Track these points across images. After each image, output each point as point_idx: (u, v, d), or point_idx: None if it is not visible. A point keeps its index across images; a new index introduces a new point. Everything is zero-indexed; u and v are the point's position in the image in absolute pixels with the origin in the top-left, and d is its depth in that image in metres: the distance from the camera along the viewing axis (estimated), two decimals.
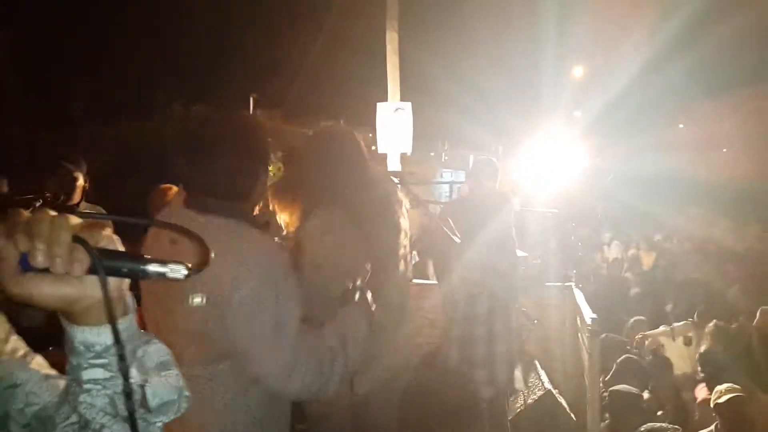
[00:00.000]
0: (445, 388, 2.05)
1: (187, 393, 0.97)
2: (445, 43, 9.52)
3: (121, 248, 0.86)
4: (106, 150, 10.15)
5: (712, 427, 3.72)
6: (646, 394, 4.51)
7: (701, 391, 4.46)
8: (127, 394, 0.84)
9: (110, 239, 0.85)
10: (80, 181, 3.41)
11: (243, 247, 1.56)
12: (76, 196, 3.40)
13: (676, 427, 3.55)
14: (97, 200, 3.80)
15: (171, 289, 1.57)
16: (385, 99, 7.15)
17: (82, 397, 0.86)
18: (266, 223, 2.73)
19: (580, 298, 4.61)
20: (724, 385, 3.77)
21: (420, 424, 1.94)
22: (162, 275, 0.84)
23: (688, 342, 5.47)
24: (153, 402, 0.90)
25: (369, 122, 7.45)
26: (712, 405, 3.74)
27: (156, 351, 0.96)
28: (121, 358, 0.84)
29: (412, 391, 2.11)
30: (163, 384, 0.93)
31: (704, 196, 11.82)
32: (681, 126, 17.05)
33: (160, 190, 4.26)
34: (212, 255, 0.92)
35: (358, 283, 1.87)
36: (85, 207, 3.45)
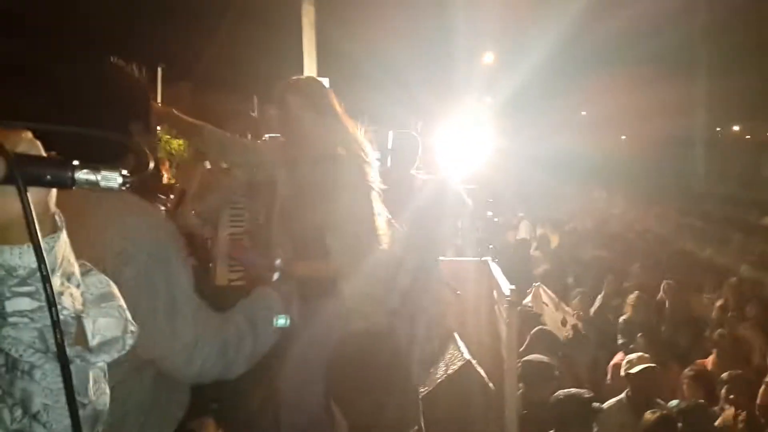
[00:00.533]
0: (372, 350, 1.99)
1: (133, 328, 0.86)
2: (362, 19, 9.43)
3: (44, 153, 0.75)
4: None
5: (623, 395, 3.90)
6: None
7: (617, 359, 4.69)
8: (54, 323, 0.71)
9: (31, 143, 0.73)
10: None
11: (127, 221, 1.40)
12: None
13: (590, 391, 3.69)
14: None
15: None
16: (301, 74, 7.00)
17: (6, 331, 0.73)
18: (167, 188, 2.61)
19: (497, 271, 4.71)
20: (635, 355, 3.97)
21: (349, 388, 1.87)
22: (94, 184, 0.74)
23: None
24: (93, 339, 0.79)
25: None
26: (623, 374, 3.92)
27: (96, 282, 0.84)
28: (46, 281, 0.71)
29: (338, 355, 2.05)
30: (104, 317, 0.81)
31: (606, 178, 12.45)
32: (584, 113, 17.84)
33: None
34: (151, 162, 0.82)
35: (278, 262, 1.82)
36: None
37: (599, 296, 6.18)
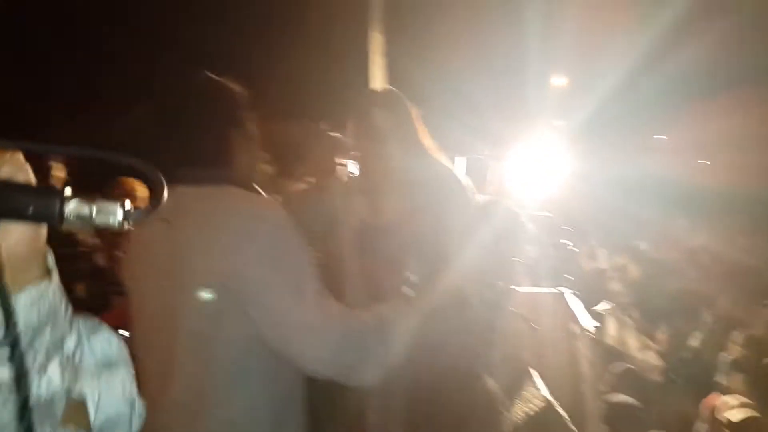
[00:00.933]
0: (454, 391, 1.81)
1: (140, 403, 0.68)
2: (430, 47, 9.37)
3: (32, 179, 0.61)
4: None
5: None
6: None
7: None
8: (23, 404, 0.53)
9: (18, 167, 0.60)
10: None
11: (252, 208, 1.49)
12: None
13: None
14: None
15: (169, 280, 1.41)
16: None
17: None
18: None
19: (575, 304, 4.41)
20: (734, 398, 3.56)
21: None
22: (86, 219, 0.58)
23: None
24: (95, 418, 0.62)
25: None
26: (723, 419, 3.51)
27: (103, 342, 0.65)
28: (14, 345, 0.53)
29: (417, 391, 1.87)
30: (108, 391, 0.64)
31: (690, 204, 11.79)
32: (665, 137, 17.13)
33: (117, 183, 4.05)
34: (165, 192, 0.66)
35: (414, 278, 1.71)
36: None
37: (692, 333, 5.67)
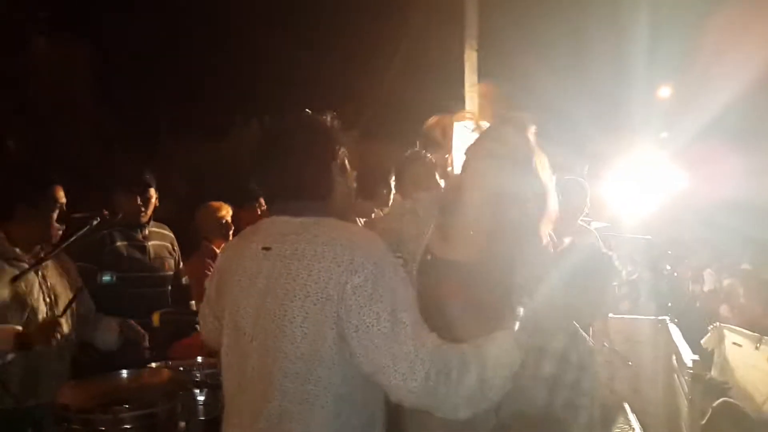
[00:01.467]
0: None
1: None
2: (525, 63, 9.25)
3: None
4: (184, 169, 10.43)
5: None
6: None
7: None
8: None
9: None
10: (154, 198, 3.38)
11: (352, 238, 1.58)
12: (150, 212, 3.38)
13: None
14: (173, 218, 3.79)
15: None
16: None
17: None
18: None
19: (676, 334, 4.23)
20: None
21: None
22: None
23: None
24: None
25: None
26: None
27: None
28: None
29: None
30: None
31: None
32: None
33: (209, 206, 4.24)
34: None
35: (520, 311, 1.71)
36: (153, 225, 3.42)
37: None
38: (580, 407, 2.17)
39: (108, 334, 2.65)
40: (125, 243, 3.23)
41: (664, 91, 14.07)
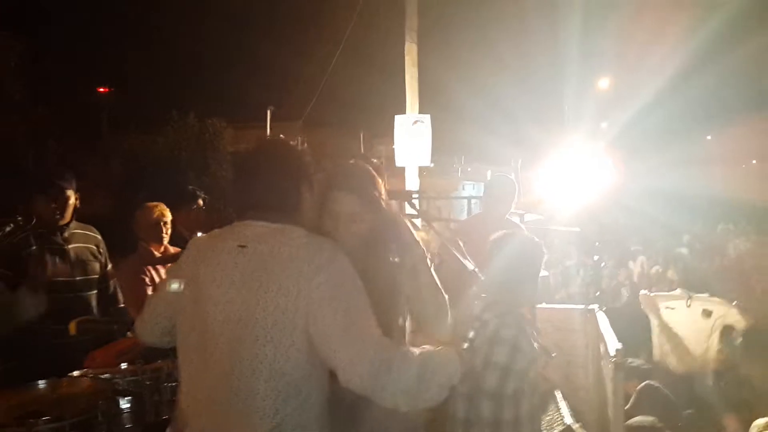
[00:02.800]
0: None
1: None
2: (464, 56, 9.38)
3: None
4: (121, 161, 10.17)
5: None
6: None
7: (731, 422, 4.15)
8: None
9: None
10: (72, 200, 3.26)
11: (322, 244, 1.81)
12: (68, 215, 3.27)
13: None
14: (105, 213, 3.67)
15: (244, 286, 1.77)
16: (403, 112, 7.01)
17: None
18: None
19: (603, 322, 4.37)
20: (763, 420, 3.47)
21: None
22: None
23: (707, 314, 4.97)
24: None
25: (387, 134, 7.34)
26: None
27: None
28: None
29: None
30: None
31: (733, 210, 11.42)
32: (709, 137, 16.67)
33: (147, 208, 4.14)
34: None
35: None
36: (75, 226, 3.31)
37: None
38: (525, 394, 2.33)
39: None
40: (42, 247, 3.12)
41: (603, 83, 14.45)
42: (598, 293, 4.93)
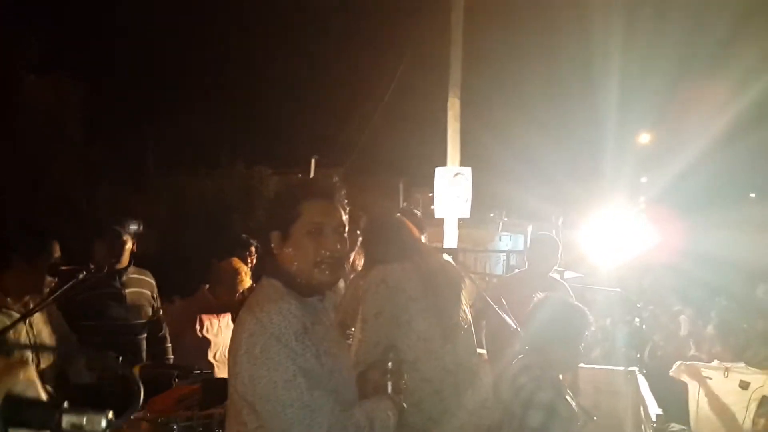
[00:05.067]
0: None
1: None
2: (506, 113, 9.52)
3: (41, 394, 0.78)
4: (170, 203, 10.49)
5: None
6: None
7: None
8: None
9: (29, 383, 0.77)
10: (128, 245, 3.42)
11: (263, 305, 1.71)
12: (125, 260, 3.42)
13: None
14: (153, 253, 3.81)
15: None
16: (442, 163, 7.14)
17: None
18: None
19: (643, 385, 4.34)
20: None
21: None
22: (78, 428, 0.77)
23: (744, 385, 4.90)
24: None
25: (427, 183, 7.45)
26: None
27: None
28: None
29: None
30: None
31: None
32: (752, 195, 16.35)
33: (232, 264, 4.16)
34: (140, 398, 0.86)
35: (391, 365, 1.90)
36: (132, 271, 3.45)
37: None
38: None
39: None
40: (101, 291, 3.25)
41: (644, 137, 14.41)
42: (639, 355, 4.88)
